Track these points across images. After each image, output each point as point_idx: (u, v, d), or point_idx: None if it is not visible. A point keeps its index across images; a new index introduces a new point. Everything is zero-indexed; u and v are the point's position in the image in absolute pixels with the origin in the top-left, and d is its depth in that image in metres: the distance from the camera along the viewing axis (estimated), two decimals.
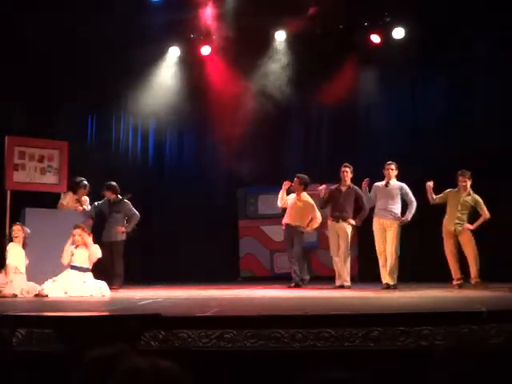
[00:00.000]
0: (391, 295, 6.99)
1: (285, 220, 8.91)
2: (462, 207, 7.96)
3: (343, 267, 8.30)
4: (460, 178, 7.99)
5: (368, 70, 11.25)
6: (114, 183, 8.99)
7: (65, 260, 7.39)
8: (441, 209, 8.13)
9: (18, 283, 7.10)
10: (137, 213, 8.92)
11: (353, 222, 8.38)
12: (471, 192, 7.99)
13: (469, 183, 7.97)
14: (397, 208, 8.08)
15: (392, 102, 10.81)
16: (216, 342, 3.83)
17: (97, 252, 7.58)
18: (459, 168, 8.11)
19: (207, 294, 7.37)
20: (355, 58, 11.28)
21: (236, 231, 11.58)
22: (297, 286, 8.58)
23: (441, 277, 8.22)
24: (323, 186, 8.65)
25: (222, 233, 11.37)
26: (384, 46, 11.07)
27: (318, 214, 8.77)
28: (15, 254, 7.28)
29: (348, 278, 8.29)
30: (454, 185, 8.10)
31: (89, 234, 7.66)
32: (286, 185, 8.90)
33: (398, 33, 10.88)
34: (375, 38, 11.09)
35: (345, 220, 8.36)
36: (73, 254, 7.42)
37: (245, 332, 3.83)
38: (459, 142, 10.10)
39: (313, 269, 10.38)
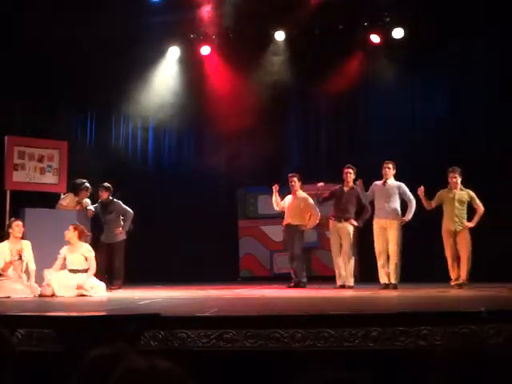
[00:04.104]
0: (391, 295, 6.99)
1: (285, 221, 8.92)
2: (459, 203, 7.96)
3: (346, 267, 8.29)
4: (450, 175, 7.99)
5: (367, 70, 11.25)
6: (108, 184, 8.96)
7: (55, 267, 7.37)
8: (439, 208, 8.12)
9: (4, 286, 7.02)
10: (129, 210, 8.91)
11: (355, 223, 8.38)
12: (463, 187, 8.00)
13: (459, 179, 7.98)
14: (395, 207, 8.08)
15: (392, 102, 10.80)
16: (216, 342, 3.83)
17: (87, 252, 7.54)
18: (459, 168, 8.10)
19: (207, 294, 7.37)
20: (355, 58, 11.29)
21: (236, 231, 11.59)
22: (296, 285, 8.58)
23: (441, 277, 8.22)
24: (321, 184, 8.69)
25: (221, 233, 11.37)
26: (384, 45, 11.08)
27: (317, 210, 8.78)
28: None
29: (351, 278, 8.27)
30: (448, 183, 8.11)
31: (79, 234, 7.61)
32: (275, 188, 8.94)
33: (398, 33, 10.89)
34: (375, 38, 11.11)
35: (347, 220, 8.37)
36: (65, 258, 7.41)
37: (244, 332, 3.84)
38: (459, 142, 10.10)
39: (312, 269, 10.39)
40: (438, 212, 8.13)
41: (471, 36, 10.19)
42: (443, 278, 8.08)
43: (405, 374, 3.43)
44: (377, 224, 8.08)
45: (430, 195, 8.16)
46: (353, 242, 8.47)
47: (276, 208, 9.09)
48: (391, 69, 10.90)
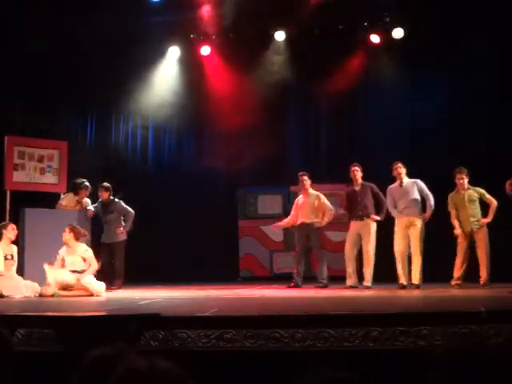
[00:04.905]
0: (391, 295, 6.99)
1: (299, 220, 8.85)
2: (470, 203, 7.94)
3: (366, 268, 8.19)
4: (458, 176, 7.99)
5: (368, 69, 11.25)
6: (108, 184, 8.95)
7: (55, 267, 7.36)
8: (441, 208, 8.12)
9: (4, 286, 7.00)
10: (131, 210, 8.91)
11: (376, 217, 8.27)
12: (470, 186, 8.00)
13: (466, 180, 7.99)
14: (417, 204, 8.02)
15: (392, 102, 10.80)
16: (216, 342, 3.83)
17: (84, 253, 7.52)
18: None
19: (207, 294, 7.37)
20: (355, 58, 11.29)
21: (236, 231, 11.58)
22: (296, 286, 8.57)
23: (441, 277, 8.22)
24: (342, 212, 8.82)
25: (221, 233, 11.36)
26: (384, 45, 11.08)
27: (331, 206, 8.77)
28: None
29: (370, 279, 8.14)
30: (453, 184, 8.10)
31: (76, 236, 7.59)
32: (277, 227, 9.32)
33: (398, 33, 10.89)
34: (375, 38, 11.10)
35: (368, 216, 8.26)
36: (64, 260, 7.40)
37: (244, 332, 3.84)
38: (459, 142, 10.09)
39: (312, 269, 10.37)
40: (442, 214, 8.11)
41: (471, 36, 10.19)
42: (444, 277, 8.08)
43: (405, 373, 3.43)
44: (399, 224, 7.99)
45: (433, 195, 8.17)
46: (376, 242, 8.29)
47: (294, 219, 9.00)
48: (391, 69, 10.89)
